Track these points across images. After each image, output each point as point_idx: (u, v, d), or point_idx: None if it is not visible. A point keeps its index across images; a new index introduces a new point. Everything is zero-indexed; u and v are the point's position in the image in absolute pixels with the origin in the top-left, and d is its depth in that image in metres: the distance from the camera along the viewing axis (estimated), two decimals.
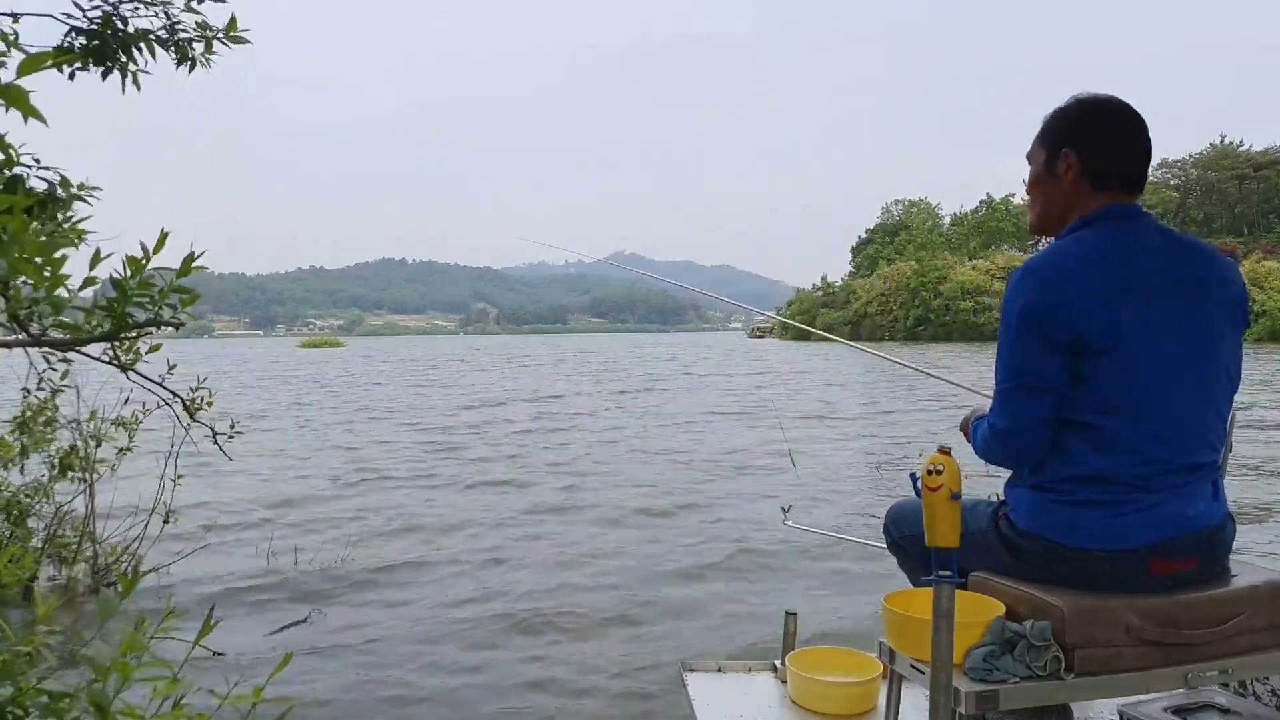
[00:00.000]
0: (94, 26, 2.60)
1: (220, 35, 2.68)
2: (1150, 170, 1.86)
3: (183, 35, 2.67)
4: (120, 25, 2.61)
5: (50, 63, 0.90)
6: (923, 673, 1.60)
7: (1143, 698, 2.06)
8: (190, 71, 2.69)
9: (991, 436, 1.76)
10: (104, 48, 2.59)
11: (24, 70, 0.87)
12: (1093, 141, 1.76)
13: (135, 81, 2.65)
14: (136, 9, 2.65)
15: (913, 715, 2.13)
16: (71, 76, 2.61)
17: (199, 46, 2.69)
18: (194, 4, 2.62)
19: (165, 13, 2.65)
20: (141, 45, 2.63)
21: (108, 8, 2.62)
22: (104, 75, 2.62)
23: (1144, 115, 1.77)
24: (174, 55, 2.70)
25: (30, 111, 0.89)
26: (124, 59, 2.62)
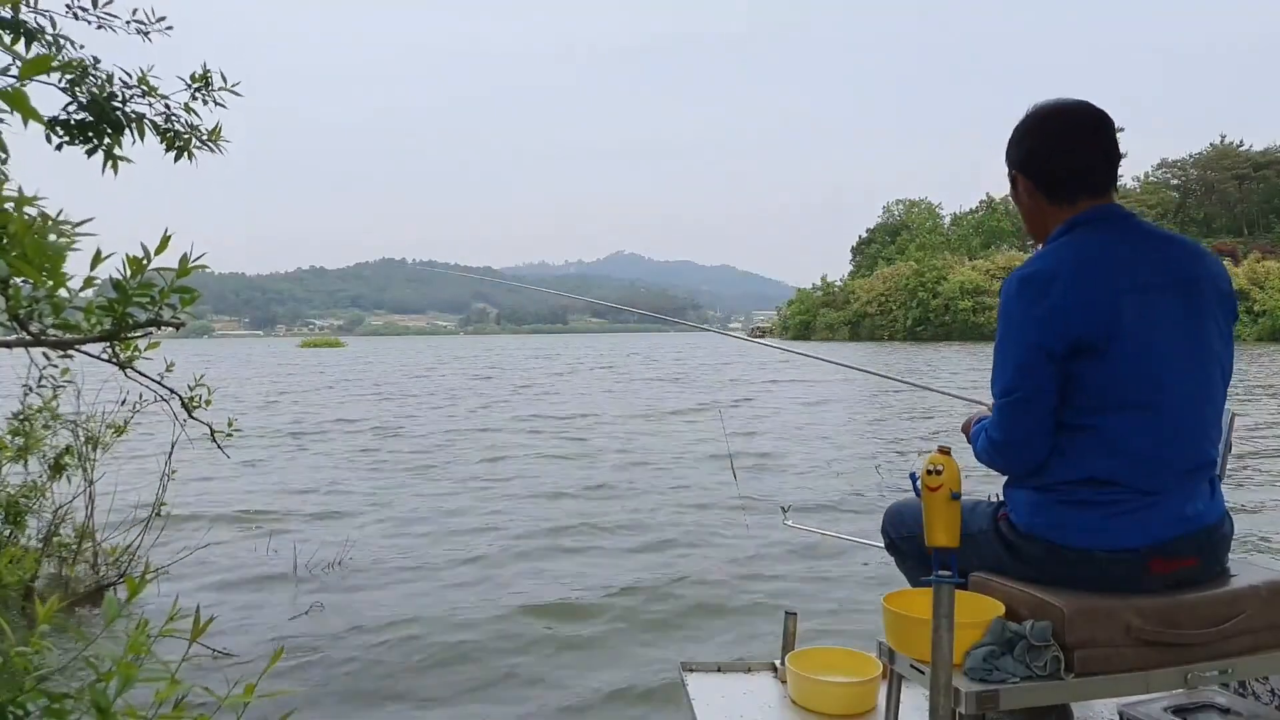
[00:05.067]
0: (92, 103, 2.72)
1: (203, 140, 2.94)
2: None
3: (177, 129, 2.90)
4: (120, 105, 2.74)
5: (42, 71, 0.92)
6: (923, 673, 1.60)
7: (1143, 698, 2.06)
8: (176, 160, 2.90)
9: (991, 447, 1.76)
10: (97, 124, 2.71)
11: (26, 73, 0.88)
12: (1034, 159, 1.77)
13: (115, 166, 2.77)
14: (149, 102, 2.83)
15: (913, 715, 2.12)
16: (59, 148, 2.71)
17: (193, 140, 2.94)
18: (190, 104, 2.85)
19: (166, 105, 2.85)
20: (133, 126, 2.78)
21: (112, 89, 2.76)
22: (89, 153, 2.77)
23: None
24: (162, 142, 2.89)
25: (31, 114, 0.90)
26: (110, 139, 2.75)
